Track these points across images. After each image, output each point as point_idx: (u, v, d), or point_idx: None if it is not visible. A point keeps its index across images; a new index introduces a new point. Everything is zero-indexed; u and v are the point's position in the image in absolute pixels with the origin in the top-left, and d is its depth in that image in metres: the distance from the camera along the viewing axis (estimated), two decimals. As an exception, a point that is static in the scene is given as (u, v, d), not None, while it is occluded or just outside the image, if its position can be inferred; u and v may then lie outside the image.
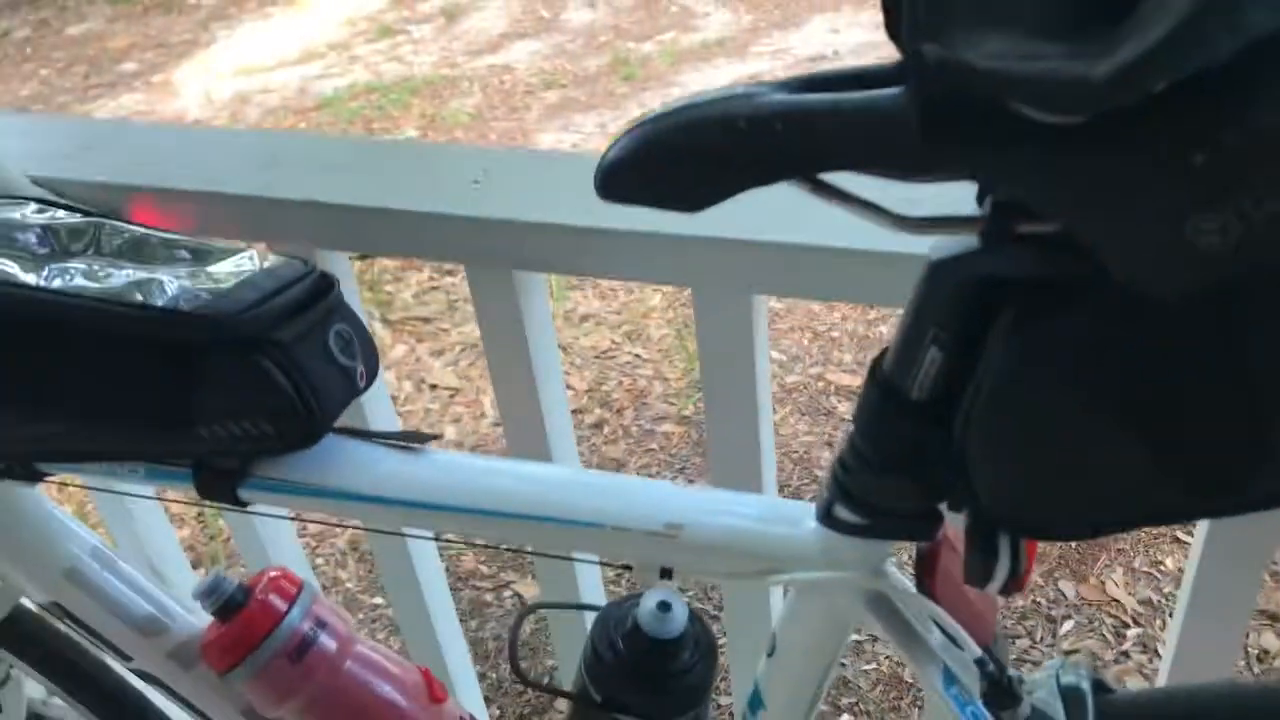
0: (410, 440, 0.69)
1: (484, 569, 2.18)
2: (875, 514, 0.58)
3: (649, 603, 0.68)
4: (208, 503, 0.70)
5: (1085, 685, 0.62)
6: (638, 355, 2.78)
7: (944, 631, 0.60)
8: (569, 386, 2.67)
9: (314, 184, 0.89)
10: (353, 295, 0.97)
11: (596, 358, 2.79)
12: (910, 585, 0.61)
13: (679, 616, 0.68)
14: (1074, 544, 2.12)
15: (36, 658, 0.87)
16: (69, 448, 0.68)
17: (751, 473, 0.92)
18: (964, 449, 0.52)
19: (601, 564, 0.67)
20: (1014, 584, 0.54)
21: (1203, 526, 0.82)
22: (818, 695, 0.68)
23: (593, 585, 1.08)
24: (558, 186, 0.85)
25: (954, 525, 0.60)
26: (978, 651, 0.59)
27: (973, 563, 0.54)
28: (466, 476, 0.67)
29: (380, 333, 2.91)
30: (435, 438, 0.70)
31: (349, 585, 2.15)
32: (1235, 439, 0.47)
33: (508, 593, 2.15)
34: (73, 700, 0.87)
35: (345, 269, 0.97)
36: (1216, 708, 0.61)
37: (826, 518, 0.60)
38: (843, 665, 1.92)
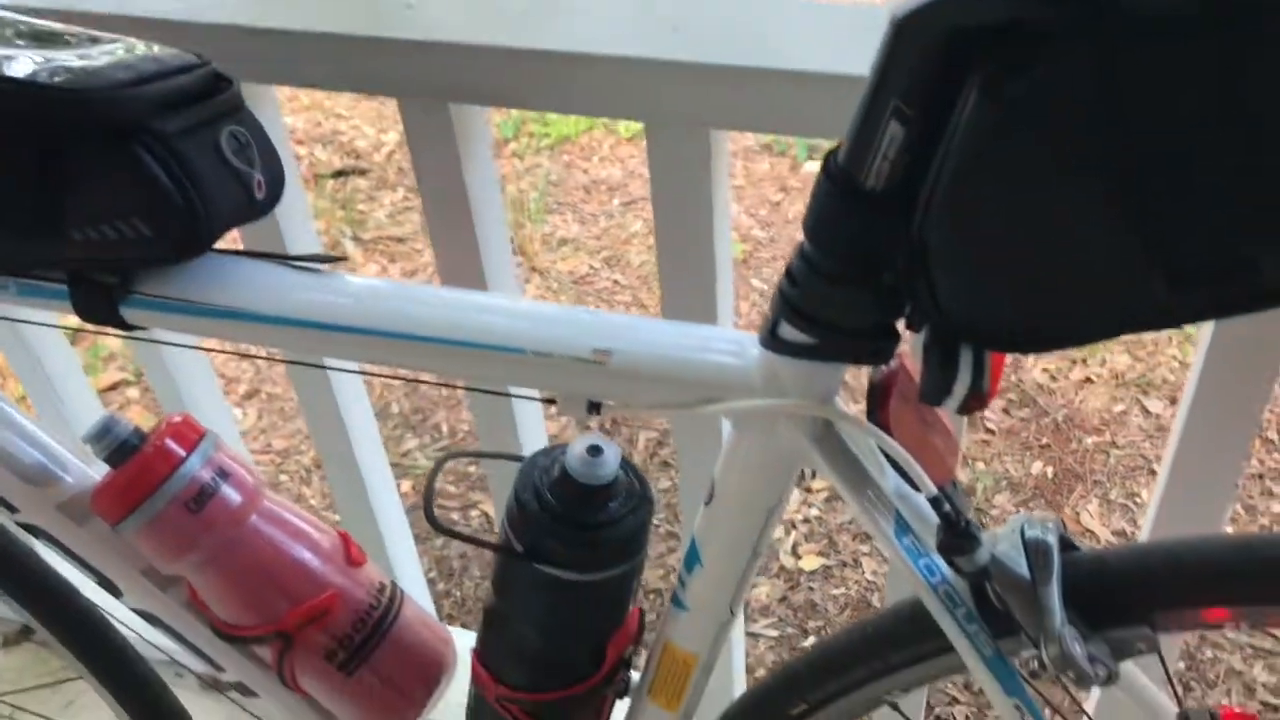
0: (312, 261, 0.62)
1: (451, 488, 2.13)
2: (825, 332, 0.51)
3: (578, 447, 0.62)
4: (89, 327, 0.63)
5: (1051, 539, 0.56)
6: (616, 281, 2.71)
7: (897, 467, 0.54)
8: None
9: (236, 6, 0.81)
10: (275, 125, 0.89)
11: (574, 283, 2.72)
12: (862, 416, 0.54)
13: (610, 462, 0.62)
14: (1049, 475, 2.07)
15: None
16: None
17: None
18: (924, 243, 0.45)
19: (521, 397, 0.61)
20: (975, 401, 0.48)
21: (1194, 377, 0.76)
22: (757, 550, 0.62)
23: (538, 441, 1.02)
24: (496, 8, 0.77)
25: (910, 354, 0.54)
26: (933, 490, 0.53)
27: (930, 377, 0.48)
28: (376, 299, 0.60)
29: (352, 252, 2.83)
30: (342, 259, 0.63)
31: (313, 502, 2.10)
32: (1234, 211, 0.40)
33: (474, 512, 2.09)
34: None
35: (272, 105, 0.89)
36: (1185, 560, 0.55)
37: (770, 339, 0.53)
38: (810, 589, 1.88)
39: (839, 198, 0.47)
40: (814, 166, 2.86)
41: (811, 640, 1.79)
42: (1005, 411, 2.25)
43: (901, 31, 0.42)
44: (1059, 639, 0.53)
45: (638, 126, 3.24)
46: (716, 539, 0.62)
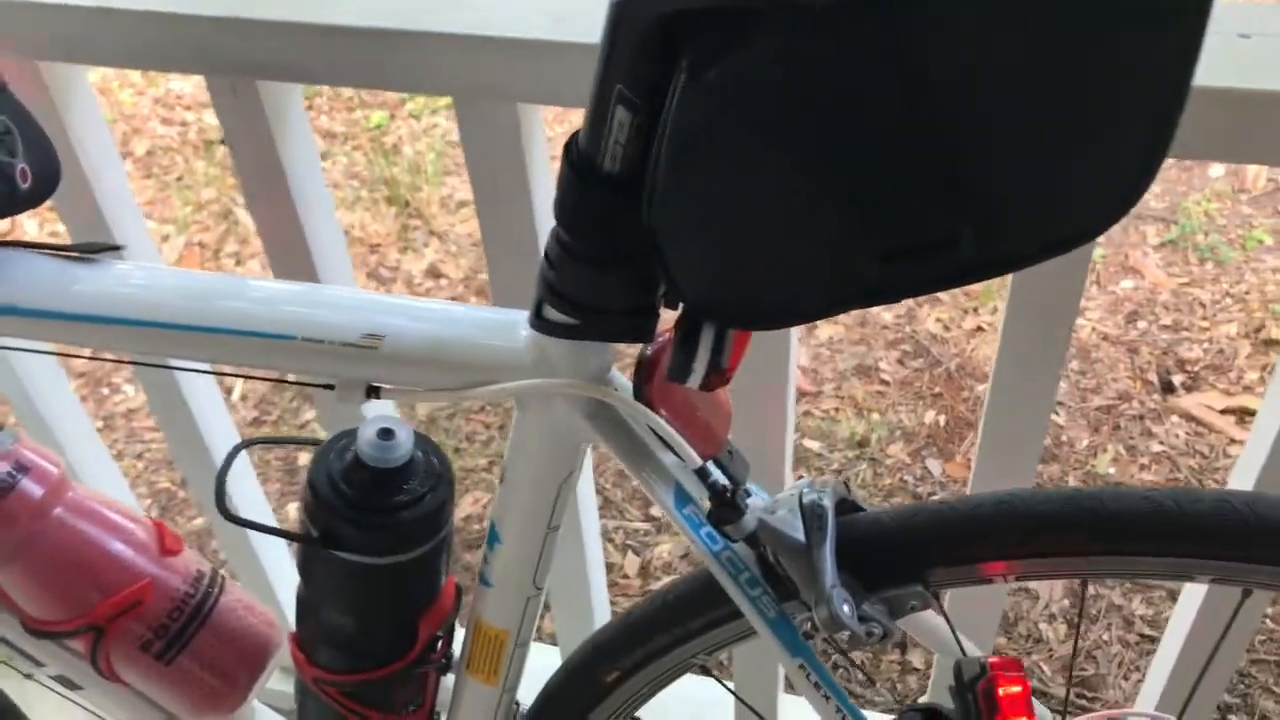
0: (86, 251, 0.60)
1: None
2: (584, 312, 0.51)
3: (368, 431, 0.62)
4: None
5: (826, 503, 0.57)
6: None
7: (662, 441, 0.55)
8: (442, 274, 2.57)
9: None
10: (90, 109, 0.86)
11: (474, 245, 2.69)
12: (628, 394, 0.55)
13: (402, 444, 0.62)
14: (941, 423, 2.13)
15: None
16: None
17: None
18: (654, 226, 0.45)
19: (300, 384, 0.60)
20: (716, 378, 0.49)
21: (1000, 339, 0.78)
22: (552, 525, 0.63)
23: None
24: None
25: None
26: (698, 462, 0.54)
27: (674, 356, 0.49)
28: (142, 288, 0.58)
29: (243, 218, 2.76)
30: (116, 248, 0.61)
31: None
32: (927, 184, 0.41)
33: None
34: None
35: (83, 87, 0.86)
36: (952, 519, 0.57)
37: (537, 320, 0.53)
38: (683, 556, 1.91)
39: (580, 182, 0.47)
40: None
41: (560, 664, 1.81)
42: (900, 362, 2.29)
43: (619, 17, 0.42)
44: (829, 600, 0.55)
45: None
46: (512, 517, 0.62)
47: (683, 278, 0.46)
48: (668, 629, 0.65)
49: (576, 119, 0.48)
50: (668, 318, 0.51)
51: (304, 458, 2.07)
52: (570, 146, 0.47)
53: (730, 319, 0.47)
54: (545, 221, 0.82)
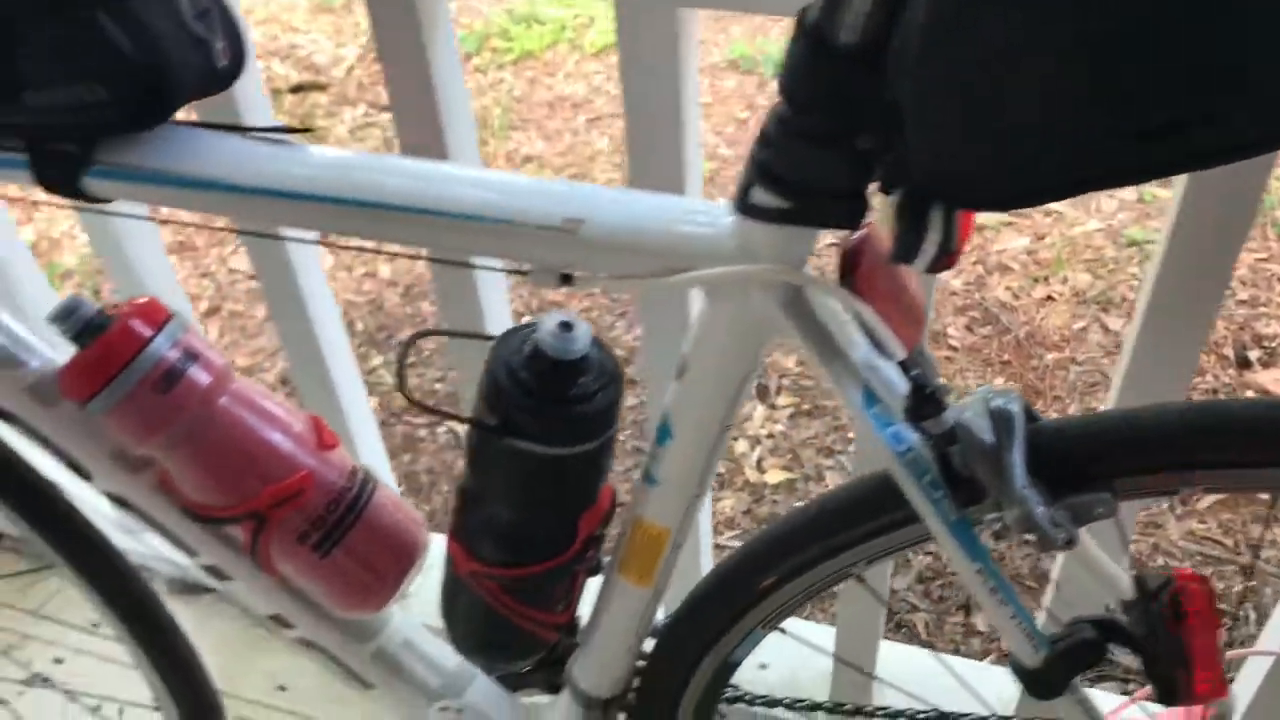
0: (281, 133, 0.61)
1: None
2: (797, 195, 0.51)
3: (549, 323, 0.62)
4: (51, 199, 0.62)
5: (1015, 408, 0.57)
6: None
7: (867, 333, 0.55)
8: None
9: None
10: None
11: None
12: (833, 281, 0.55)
13: (581, 337, 0.62)
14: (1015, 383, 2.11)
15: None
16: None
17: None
18: (897, 99, 0.45)
19: (492, 269, 0.60)
20: (945, 260, 0.49)
21: (1168, 230, 0.77)
22: (728, 422, 0.63)
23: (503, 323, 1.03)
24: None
25: (879, 221, 0.54)
26: (902, 354, 0.54)
27: (901, 236, 0.48)
28: (345, 168, 0.59)
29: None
30: (308, 130, 0.62)
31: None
32: (1191, 58, 0.40)
33: (442, 428, 2.10)
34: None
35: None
36: (1144, 426, 0.56)
37: (743, 204, 0.53)
38: (774, 502, 1.91)
39: (813, 54, 0.47)
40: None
41: (709, 570, 1.82)
42: (968, 329, 2.28)
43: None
44: (1022, 501, 0.55)
45: (603, 41, 3.18)
46: (688, 412, 0.63)
47: (921, 155, 0.46)
48: (830, 535, 0.65)
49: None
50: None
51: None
52: (802, 19, 0.47)
53: (967, 198, 0.47)
54: (692, 127, 0.82)
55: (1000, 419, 0.57)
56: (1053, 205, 2.47)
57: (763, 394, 2.11)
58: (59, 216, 2.64)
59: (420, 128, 0.87)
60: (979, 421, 0.57)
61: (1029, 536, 0.56)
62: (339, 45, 3.30)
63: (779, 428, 2.07)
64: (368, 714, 1.35)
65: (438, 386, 2.16)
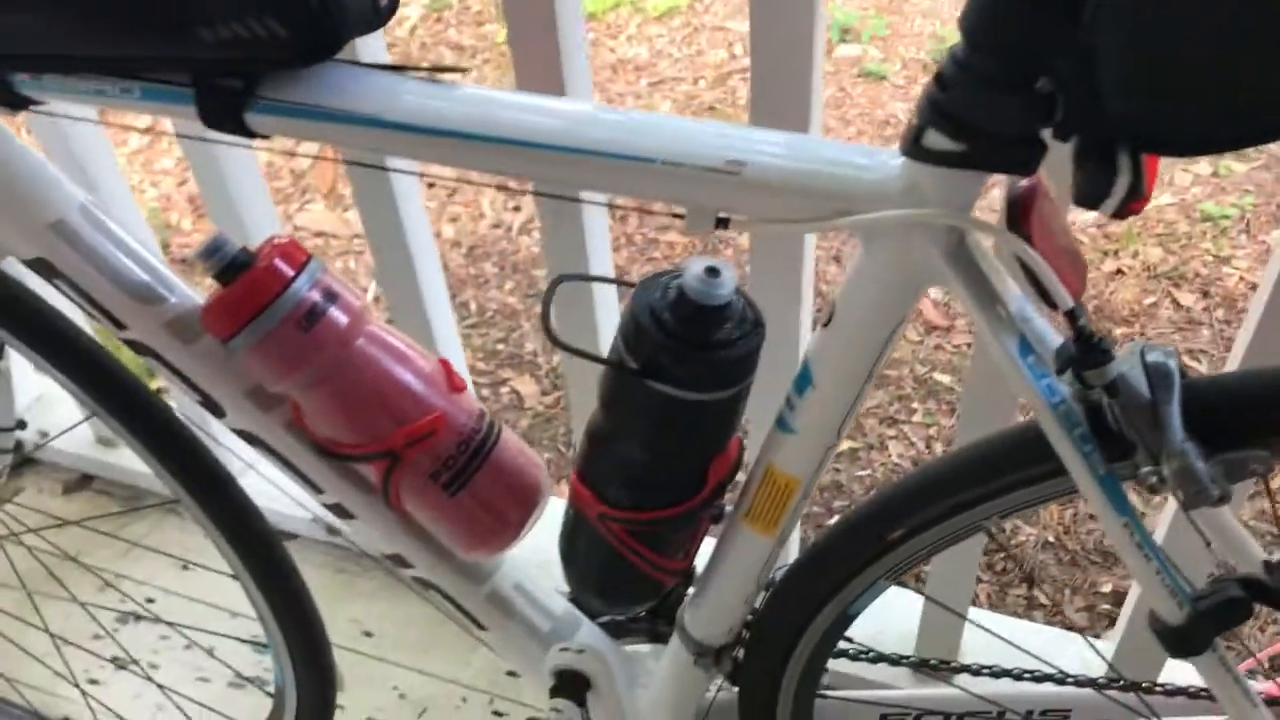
0: (435, 72, 0.61)
1: (481, 365, 2.15)
2: (973, 138, 0.51)
3: (695, 267, 0.62)
4: (213, 136, 0.63)
5: (1171, 363, 0.57)
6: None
7: (1033, 282, 0.54)
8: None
9: None
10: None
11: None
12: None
13: (726, 283, 0.62)
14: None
15: (22, 327, 0.81)
16: (46, 50, 0.60)
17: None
18: (1093, 41, 0.45)
19: (662, 214, 0.61)
20: (1133, 204, 0.48)
21: None
22: (873, 372, 0.63)
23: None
24: None
25: (1046, 171, 0.54)
26: (1070, 302, 0.54)
27: (1088, 180, 0.48)
28: (502, 108, 0.59)
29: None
30: (463, 71, 0.62)
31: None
32: None
33: (505, 389, 2.11)
34: (60, 374, 0.82)
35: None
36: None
37: (914, 147, 0.53)
38: (836, 470, 1.91)
39: (1002, -8, 0.46)
40: (848, 49, 2.79)
41: (836, 520, 1.82)
42: (1035, 302, 2.25)
43: None
44: (1181, 454, 0.55)
45: (665, 5, 3.16)
46: (833, 360, 0.63)
47: (1114, 98, 0.46)
48: (968, 487, 0.65)
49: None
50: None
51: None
52: None
53: (1162, 143, 0.47)
54: (818, 60, 0.82)
55: (1157, 373, 0.56)
56: (1124, 179, 2.43)
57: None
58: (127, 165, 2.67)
59: (544, 76, 0.88)
60: (1136, 375, 0.56)
61: (1180, 492, 0.56)
62: (404, 5, 3.30)
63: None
64: (449, 661, 1.38)
65: (499, 347, 2.18)
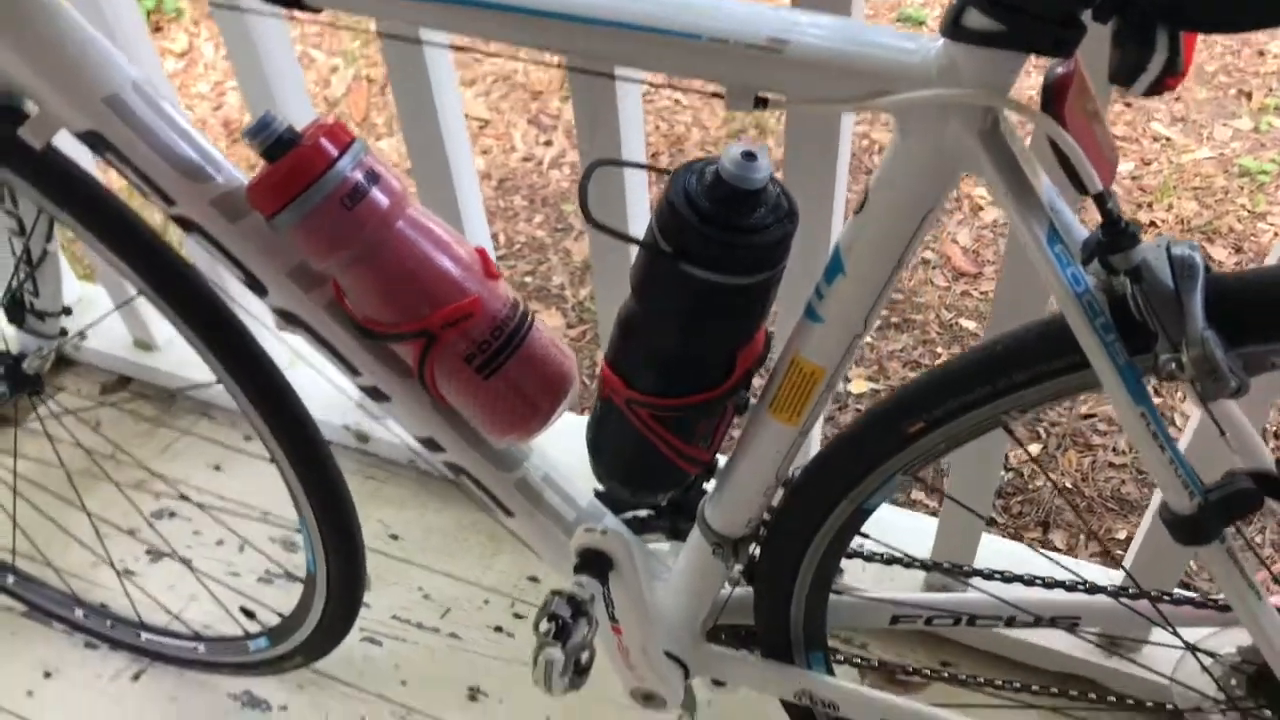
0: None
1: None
2: (1014, 17, 0.51)
3: (733, 151, 0.64)
4: (270, 8, 0.65)
5: (1196, 256, 0.58)
6: (678, 101, 2.68)
7: (1064, 166, 0.55)
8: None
9: None
10: None
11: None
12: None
13: (762, 167, 0.63)
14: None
15: (75, 204, 0.83)
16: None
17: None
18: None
19: (691, 91, 0.62)
20: (1169, 80, 0.49)
21: None
22: (903, 260, 0.64)
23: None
24: None
25: (1081, 57, 0.54)
26: (1099, 186, 0.55)
27: (1125, 57, 0.49)
28: (550, -18, 0.60)
29: None
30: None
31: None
32: None
33: (530, 276, 2.13)
34: (110, 252, 0.84)
35: None
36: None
37: (953, 28, 0.54)
38: (857, 410, 1.93)
39: None
40: (888, -5, 2.76)
41: (857, 415, 1.84)
42: (1065, 252, 2.24)
43: None
44: (1202, 341, 0.56)
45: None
46: (864, 246, 0.64)
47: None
48: (990, 380, 0.67)
49: None
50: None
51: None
52: None
53: (1201, 19, 0.47)
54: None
55: (1182, 264, 0.57)
56: (1161, 131, 2.41)
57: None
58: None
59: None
60: (1161, 263, 0.57)
61: (1198, 381, 0.57)
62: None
63: (867, 339, 2.07)
64: (472, 565, 1.42)
65: (527, 280, 2.20)
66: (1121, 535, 1.64)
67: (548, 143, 2.57)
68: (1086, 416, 1.85)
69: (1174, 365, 0.58)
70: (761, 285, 0.67)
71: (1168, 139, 2.41)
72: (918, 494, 1.71)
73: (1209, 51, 2.63)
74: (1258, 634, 0.66)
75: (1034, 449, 1.78)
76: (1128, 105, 2.48)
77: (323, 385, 0.94)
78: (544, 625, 0.77)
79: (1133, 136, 2.42)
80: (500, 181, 2.48)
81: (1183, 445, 1.02)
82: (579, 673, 0.80)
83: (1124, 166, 2.37)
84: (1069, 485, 1.74)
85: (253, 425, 0.94)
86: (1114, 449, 1.78)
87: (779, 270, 0.68)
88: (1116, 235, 0.55)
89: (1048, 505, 1.71)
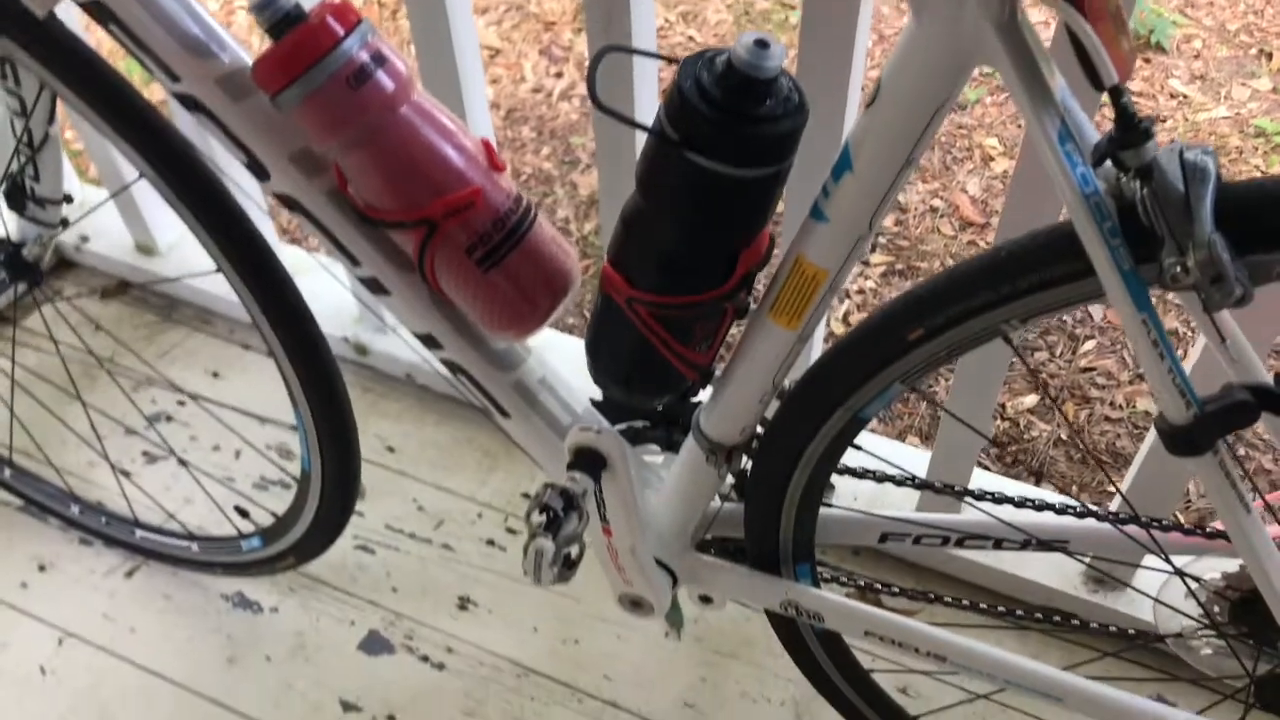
0: None
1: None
2: (1036, -100, 0.50)
3: (746, 39, 0.63)
4: None
5: (1209, 162, 0.57)
6: (691, 38, 2.64)
7: (1081, 57, 0.54)
8: (617, 57, 2.54)
9: None
10: None
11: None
12: None
13: (775, 55, 0.62)
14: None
15: (77, 79, 0.82)
16: None
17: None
18: None
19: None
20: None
21: None
22: (912, 158, 0.64)
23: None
24: None
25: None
26: (1115, 79, 0.54)
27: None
28: None
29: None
30: None
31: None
32: None
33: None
34: (111, 130, 0.84)
35: None
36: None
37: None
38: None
39: None
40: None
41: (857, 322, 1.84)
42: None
43: None
44: (1211, 244, 0.55)
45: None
46: (873, 142, 0.63)
47: None
48: (993, 286, 0.66)
49: None
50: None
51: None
52: None
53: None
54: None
55: (1193, 167, 0.57)
56: (1179, 88, 2.38)
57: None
58: None
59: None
60: (1173, 165, 0.57)
61: (1203, 289, 0.57)
62: None
63: (870, 284, 2.07)
64: (467, 480, 1.43)
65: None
66: (1112, 489, 1.65)
67: (558, 74, 2.55)
68: (1086, 370, 1.85)
69: (1179, 269, 0.57)
70: (766, 181, 0.67)
71: (1185, 96, 2.38)
72: (912, 430, 1.71)
73: (1232, 10, 2.59)
74: (1244, 548, 0.66)
75: (1031, 400, 1.79)
76: (1146, 61, 2.45)
77: (323, 296, 0.94)
78: (536, 516, 0.78)
79: (1150, 93, 2.39)
80: (509, 112, 2.46)
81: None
82: (568, 565, 0.81)
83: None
84: (1064, 437, 1.74)
85: (251, 316, 0.94)
86: (1111, 403, 1.78)
87: (785, 167, 0.67)
88: (1130, 131, 0.55)
89: (1042, 456, 1.71)
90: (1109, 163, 0.58)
